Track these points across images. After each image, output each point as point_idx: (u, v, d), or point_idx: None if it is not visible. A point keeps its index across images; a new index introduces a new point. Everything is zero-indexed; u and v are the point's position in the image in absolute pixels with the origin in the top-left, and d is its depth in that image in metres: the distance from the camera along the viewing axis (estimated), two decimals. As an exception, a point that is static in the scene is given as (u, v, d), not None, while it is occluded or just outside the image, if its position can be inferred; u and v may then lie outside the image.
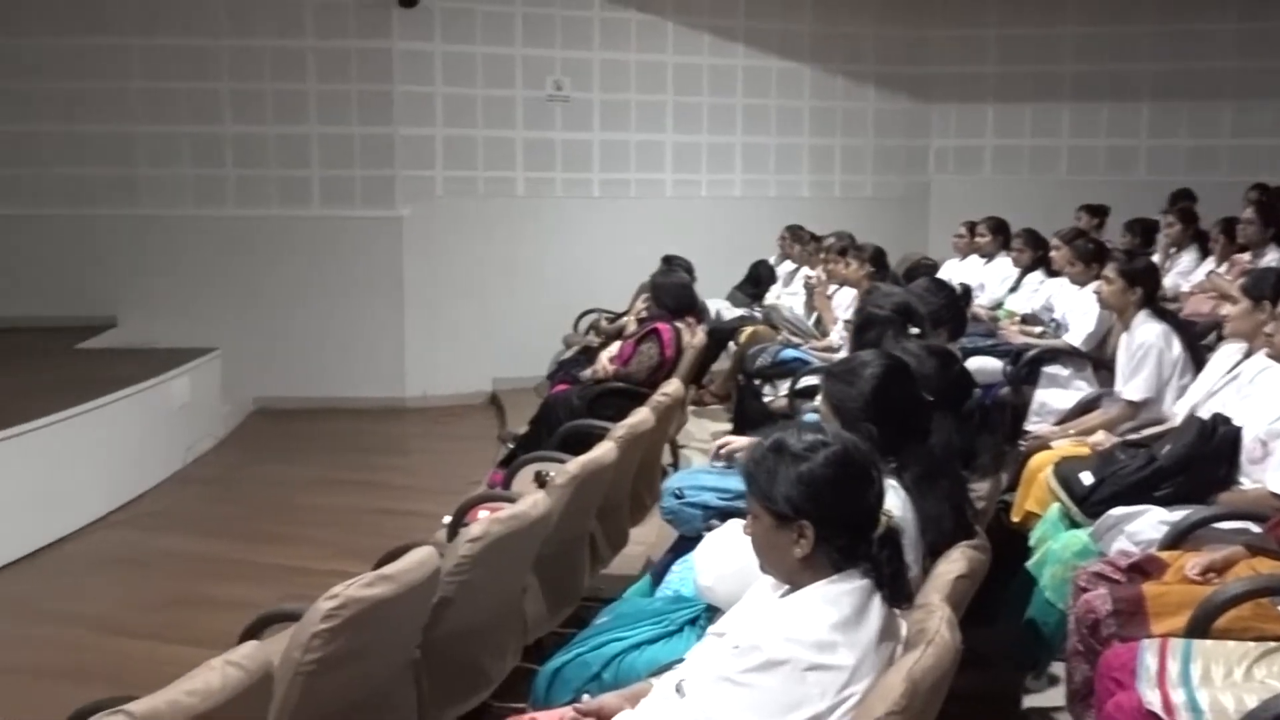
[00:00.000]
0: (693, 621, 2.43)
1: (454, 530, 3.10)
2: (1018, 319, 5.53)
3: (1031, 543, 3.17)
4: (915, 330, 3.24)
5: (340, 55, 7.54)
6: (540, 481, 3.29)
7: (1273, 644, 2.22)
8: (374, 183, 7.67)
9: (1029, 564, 3.07)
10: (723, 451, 3.18)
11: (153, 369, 6.07)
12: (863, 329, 3.28)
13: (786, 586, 1.91)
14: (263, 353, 7.34)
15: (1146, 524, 2.87)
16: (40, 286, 7.41)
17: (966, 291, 4.81)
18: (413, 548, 2.34)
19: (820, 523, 1.85)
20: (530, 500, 2.76)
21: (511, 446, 5.01)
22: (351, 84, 7.58)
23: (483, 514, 2.92)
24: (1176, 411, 3.55)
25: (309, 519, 5.21)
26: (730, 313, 6.80)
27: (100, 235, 7.50)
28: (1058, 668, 2.84)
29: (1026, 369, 4.38)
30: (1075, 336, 4.62)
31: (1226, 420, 3.01)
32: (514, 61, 7.85)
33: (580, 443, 3.59)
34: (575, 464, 3.08)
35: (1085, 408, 4.05)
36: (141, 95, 7.46)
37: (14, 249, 7.43)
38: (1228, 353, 3.45)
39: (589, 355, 5.64)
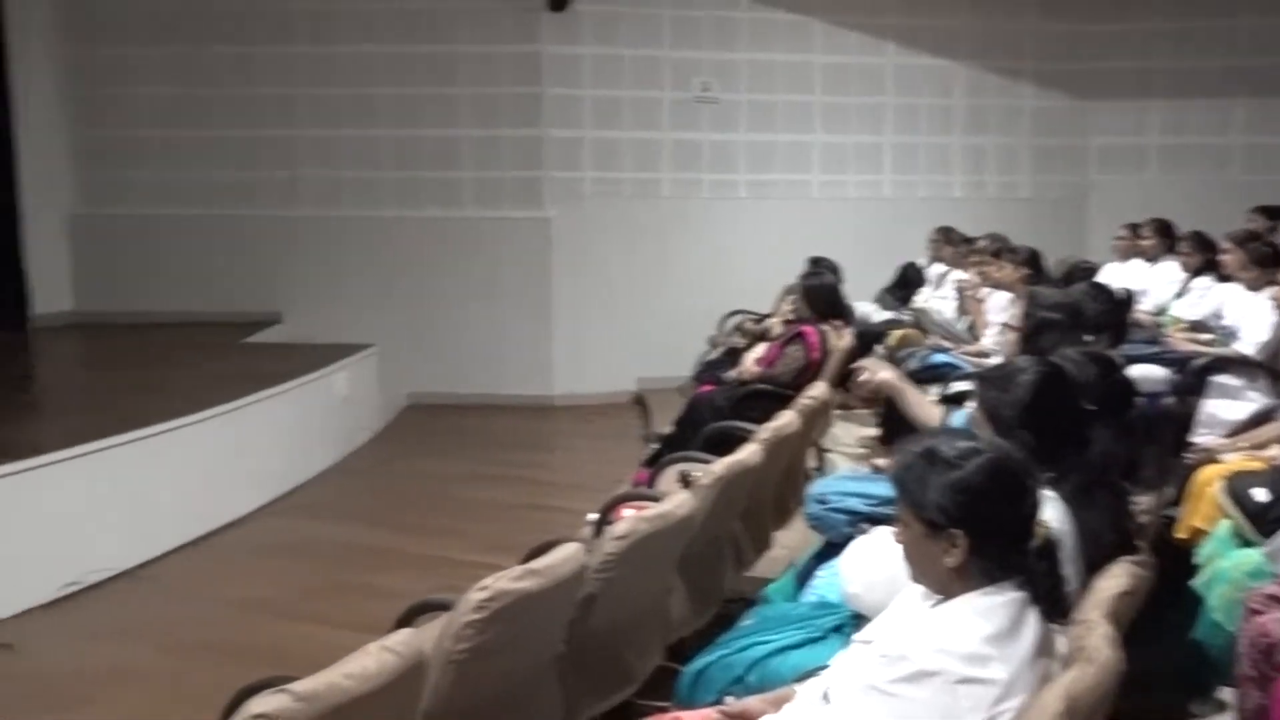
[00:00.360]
0: (838, 628, 2.40)
1: (599, 527, 3.13)
2: (1184, 325, 5.28)
3: (1198, 560, 3.02)
4: (1087, 336, 3.13)
5: (491, 60, 7.73)
6: (685, 481, 3.29)
7: None
8: (523, 184, 7.84)
9: (1195, 582, 2.93)
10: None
11: (314, 364, 6.32)
12: (1035, 334, 3.18)
13: (937, 597, 1.87)
14: (416, 349, 7.59)
15: (1327, 545, 2.71)
16: (211, 284, 7.83)
17: (1129, 296, 4.63)
18: (559, 543, 2.37)
19: (973, 532, 1.80)
20: (675, 500, 2.77)
21: (656, 446, 5.03)
22: (502, 87, 7.76)
23: (627, 512, 2.94)
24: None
25: (459, 512, 5.35)
26: (878, 316, 6.68)
27: (266, 236, 7.86)
28: (1224, 692, 2.70)
29: (1194, 378, 4.18)
30: (1248, 345, 4.39)
31: None
32: (661, 63, 7.91)
33: (725, 444, 3.59)
34: (720, 465, 3.08)
35: (1259, 420, 3.84)
36: (307, 101, 7.80)
37: (188, 248, 7.88)
38: None
39: (734, 357, 5.62)
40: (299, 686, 1.62)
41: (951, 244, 6.99)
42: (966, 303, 5.79)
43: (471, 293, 7.73)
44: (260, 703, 1.57)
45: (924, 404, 3.45)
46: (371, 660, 1.76)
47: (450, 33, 7.72)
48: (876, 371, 3.47)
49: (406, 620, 2.37)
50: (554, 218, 7.82)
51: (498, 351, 7.74)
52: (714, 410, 4.62)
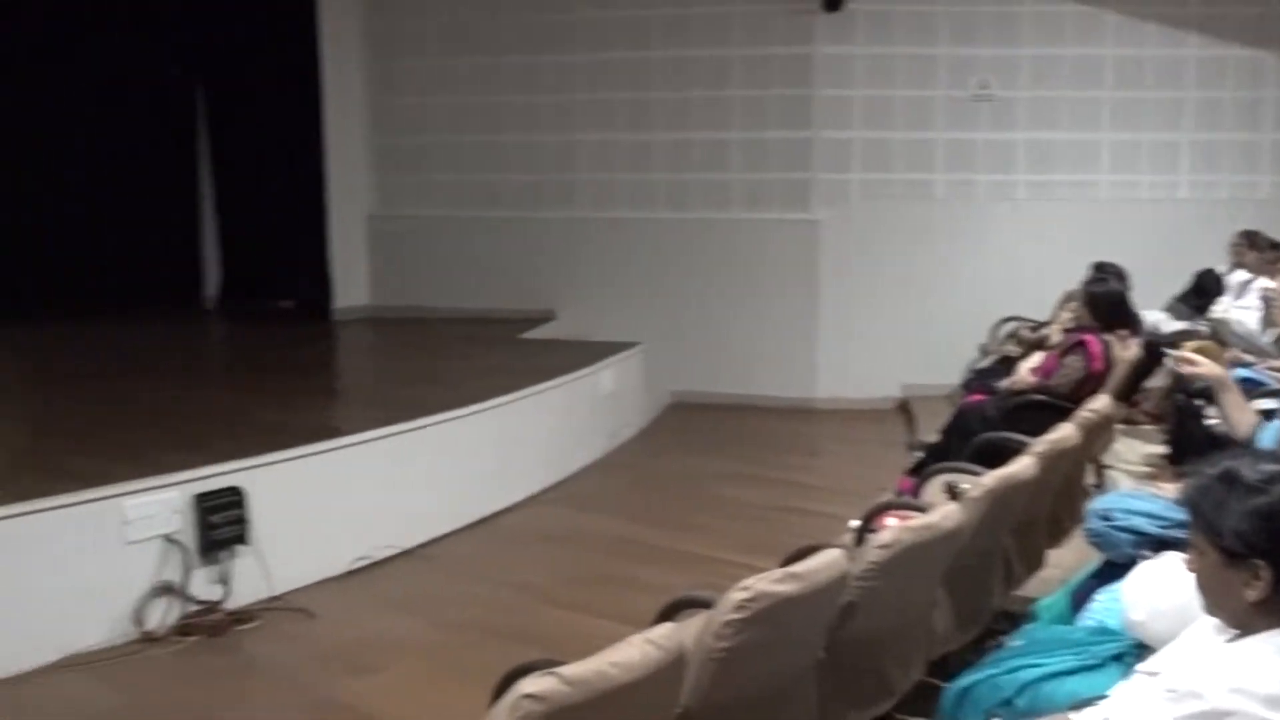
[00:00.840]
0: (1118, 657, 2.25)
1: (861, 535, 3.07)
2: None
3: None
4: None
5: (763, 62, 7.76)
6: (952, 493, 3.19)
7: None
8: (791, 186, 7.81)
9: None
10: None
11: (583, 360, 6.54)
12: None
13: (1234, 631, 1.72)
14: (681, 349, 7.72)
15: None
16: (491, 282, 8.27)
17: None
18: (821, 548, 2.35)
19: (1278, 564, 1.65)
20: (942, 511, 2.69)
21: (920, 455, 4.90)
22: (772, 90, 7.77)
23: (891, 521, 2.88)
24: None
25: (719, 510, 5.39)
26: (1169, 325, 6.22)
27: (544, 236, 8.22)
28: None
29: None
30: None
31: None
32: (936, 61, 7.68)
33: (995, 455, 3.45)
34: (991, 477, 2.96)
35: None
36: (586, 106, 8.10)
37: (472, 248, 8.35)
38: None
39: (1007, 365, 5.40)
40: (567, 671, 1.68)
41: (1257, 249, 6.43)
42: (1273, 313, 5.31)
43: (738, 294, 7.79)
44: (531, 683, 1.64)
45: (1244, 408, 3.20)
46: (636, 651, 1.81)
47: (724, 36, 7.80)
48: (1202, 362, 3.28)
49: (668, 615, 2.41)
50: (822, 220, 7.76)
51: (762, 353, 7.77)
52: (984, 420, 4.45)
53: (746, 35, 7.76)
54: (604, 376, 6.63)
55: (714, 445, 6.80)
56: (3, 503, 3.61)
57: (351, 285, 8.64)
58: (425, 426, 4.95)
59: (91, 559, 3.70)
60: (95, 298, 8.46)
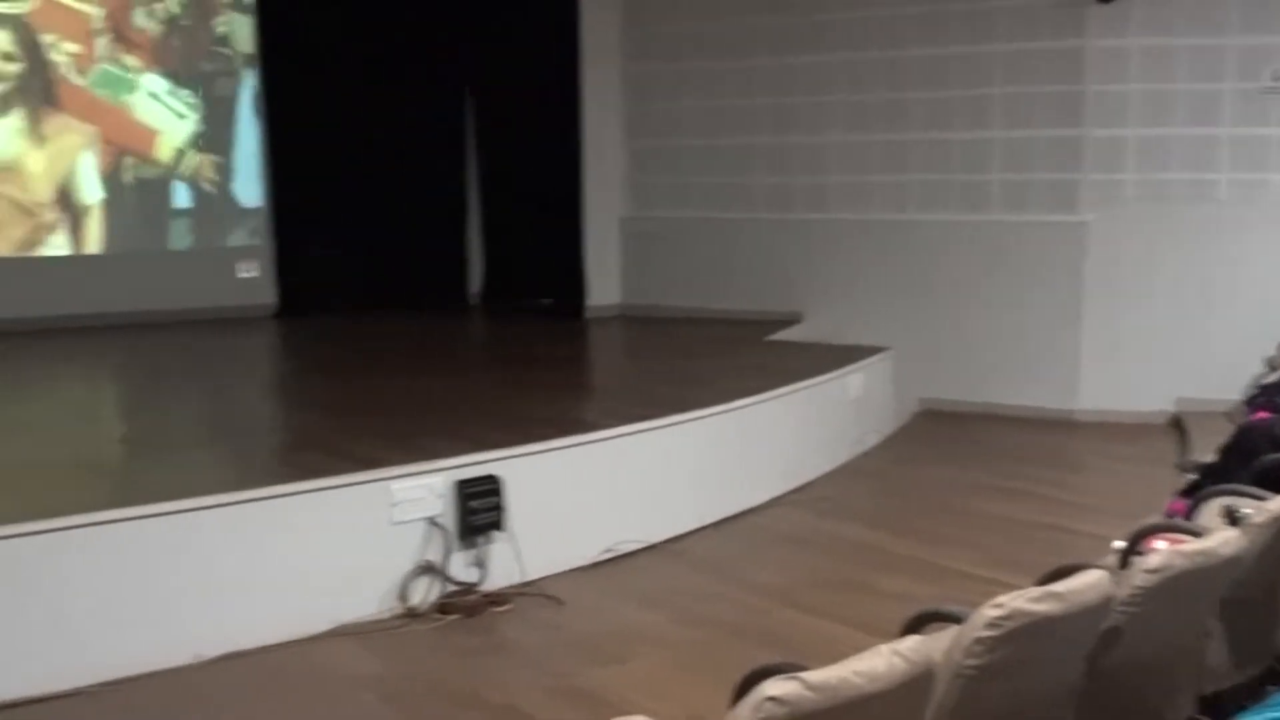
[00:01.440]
0: None
1: (1126, 557, 2.89)
2: None
3: None
4: None
5: (1029, 57, 7.42)
6: (1231, 518, 2.95)
7: None
8: (1056, 187, 7.44)
9: None
10: None
11: (831, 364, 6.46)
12: None
13: None
14: (931, 354, 7.50)
15: None
16: (740, 283, 8.32)
17: None
18: (1082, 568, 2.23)
19: None
20: (1220, 537, 2.50)
21: (1194, 476, 4.56)
22: (1039, 86, 7.42)
23: (1159, 544, 2.70)
24: None
25: (969, 523, 5.21)
26: None
27: (794, 238, 8.19)
28: None
29: None
30: None
31: None
32: (1224, 52, 7.12)
33: (1282, 480, 3.17)
34: (1278, 503, 2.72)
35: None
36: (840, 107, 8.01)
37: (721, 249, 8.43)
38: None
39: (1298, 381, 4.95)
40: (811, 676, 1.67)
41: None
42: None
43: (994, 299, 7.49)
44: (774, 686, 1.63)
45: None
46: (882, 662, 1.77)
47: (985, 32, 7.52)
48: None
49: (915, 626, 2.34)
50: (1090, 222, 7.35)
51: (1019, 361, 7.44)
52: (1271, 441, 4.08)
53: (1010, 30, 7.45)
54: (852, 381, 6.53)
55: (965, 455, 6.57)
56: (289, 479, 3.93)
57: (604, 284, 8.90)
58: (674, 424, 5.02)
59: (363, 537, 3.98)
60: (373, 294, 9.10)
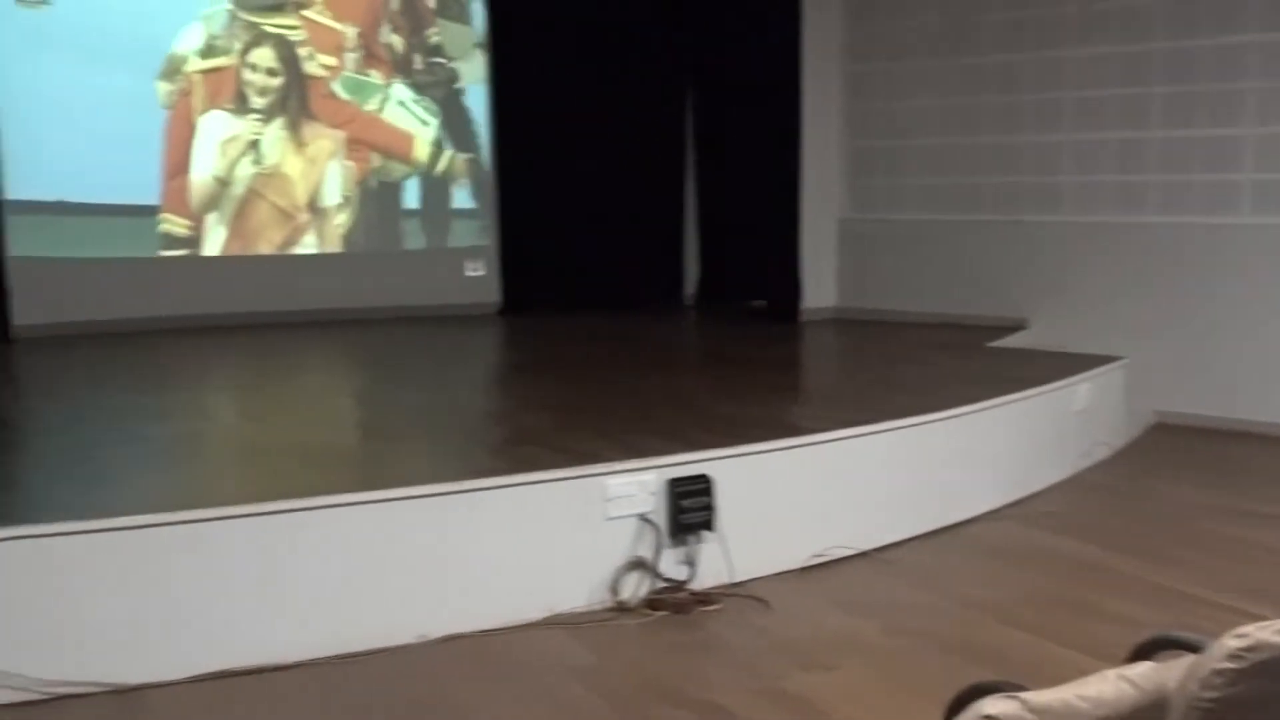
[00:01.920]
0: None
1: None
2: None
3: None
4: None
5: (1287, 49, 6.91)
6: None
7: None
8: (1318, 187, 6.90)
9: None
10: None
11: (1056, 373, 6.20)
12: None
13: None
14: (1170, 365, 7.07)
15: None
16: (960, 287, 8.08)
17: None
18: (1338, 603, 2.06)
19: None
20: None
21: None
22: (1299, 79, 6.90)
23: None
24: None
25: (1206, 545, 4.89)
26: None
27: (1020, 241, 7.89)
28: None
29: None
30: None
31: None
32: None
33: None
34: None
35: None
36: (1072, 104, 7.66)
37: (941, 252, 8.22)
38: None
39: None
40: (1032, 697, 1.61)
41: None
42: None
43: (1242, 307, 7.00)
44: (992, 704, 1.58)
45: None
46: (1109, 688, 1.69)
47: (1236, 23, 7.03)
48: None
49: (1145, 652, 2.23)
50: (1353, 226, 6.78)
51: (1269, 373, 6.92)
52: None
53: (1265, 20, 6.93)
54: (1079, 391, 6.24)
55: (1203, 473, 6.17)
56: (510, 471, 4.09)
57: (820, 287, 8.83)
58: (888, 430, 4.94)
59: (577, 530, 4.09)
60: (592, 293, 9.36)
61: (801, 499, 4.61)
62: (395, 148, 9.16)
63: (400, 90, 9.13)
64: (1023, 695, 1.62)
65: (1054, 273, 7.74)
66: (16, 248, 7.84)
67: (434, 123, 9.30)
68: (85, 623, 3.41)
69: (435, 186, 9.41)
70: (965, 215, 8.17)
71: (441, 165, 9.36)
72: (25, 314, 7.78)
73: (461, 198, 9.52)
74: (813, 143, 8.71)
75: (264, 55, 8.56)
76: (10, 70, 7.79)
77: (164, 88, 8.30)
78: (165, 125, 8.34)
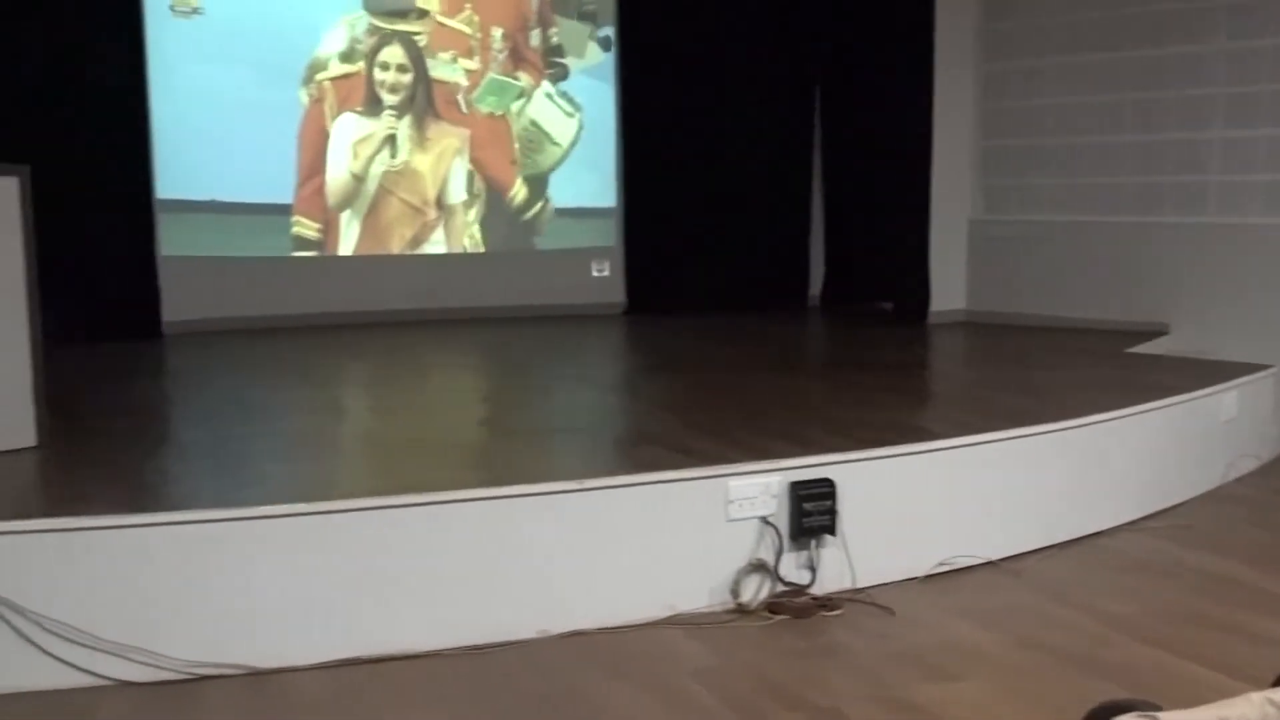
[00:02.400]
0: None
1: None
2: None
3: None
4: None
5: None
6: None
7: None
8: None
9: None
10: None
11: (1199, 381, 5.94)
12: None
13: None
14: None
15: None
16: (1098, 290, 7.83)
17: None
18: None
19: None
20: None
21: None
22: None
23: None
24: None
25: (1363, 567, 4.63)
26: None
27: (1161, 242, 7.59)
28: None
29: None
30: None
31: None
32: None
33: None
34: None
35: None
36: (1218, 100, 7.34)
37: (1078, 254, 7.97)
38: None
39: None
40: (1168, 717, 1.55)
41: None
42: None
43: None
44: (1124, 723, 1.54)
45: None
46: (1254, 711, 1.62)
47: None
48: None
49: (1291, 676, 2.12)
50: None
51: None
52: None
53: None
54: (1225, 400, 5.97)
55: (1361, 489, 5.85)
56: (628, 470, 4.12)
57: (949, 289, 8.65)
58: (1019, 437, 4.81)
59: (698, 531, 4.09)
60: (716, 293, 9.36)
61: (927, 505, 4.52)
62: (509, 150, 9.33)
63: (545, 89, 9.32)
64: (1159, 715, 1.56)
65: (1197, 276, 7.42)
66: (167, 247, 8.24)
67: (565, 123, 9.43)
68: (224, 607, 3.55)
69: (561, 187, 9.53)
70: (1103, 216, 7.89)
71: (554, 167, 9.48)
72: (174, 310, 8.17)
73: (587, 197, 9.62)
74: (943, 142, 8.54)
75: (394, 54, 8.84)
76: (164, 76, 8.18)
77: (304, 92, 8.62)
78: (300, 129, 8.65)
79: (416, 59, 8.92)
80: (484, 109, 9.14)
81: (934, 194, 8.58)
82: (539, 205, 9.46)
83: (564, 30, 9.45)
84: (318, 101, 8.69)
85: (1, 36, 7.40)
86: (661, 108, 9.37)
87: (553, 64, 9.40)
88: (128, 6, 8.00)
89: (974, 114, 8.62)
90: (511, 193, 9.35)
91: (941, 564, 4.49)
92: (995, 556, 4.62)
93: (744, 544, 4.15)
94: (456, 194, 9.14)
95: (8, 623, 3.38)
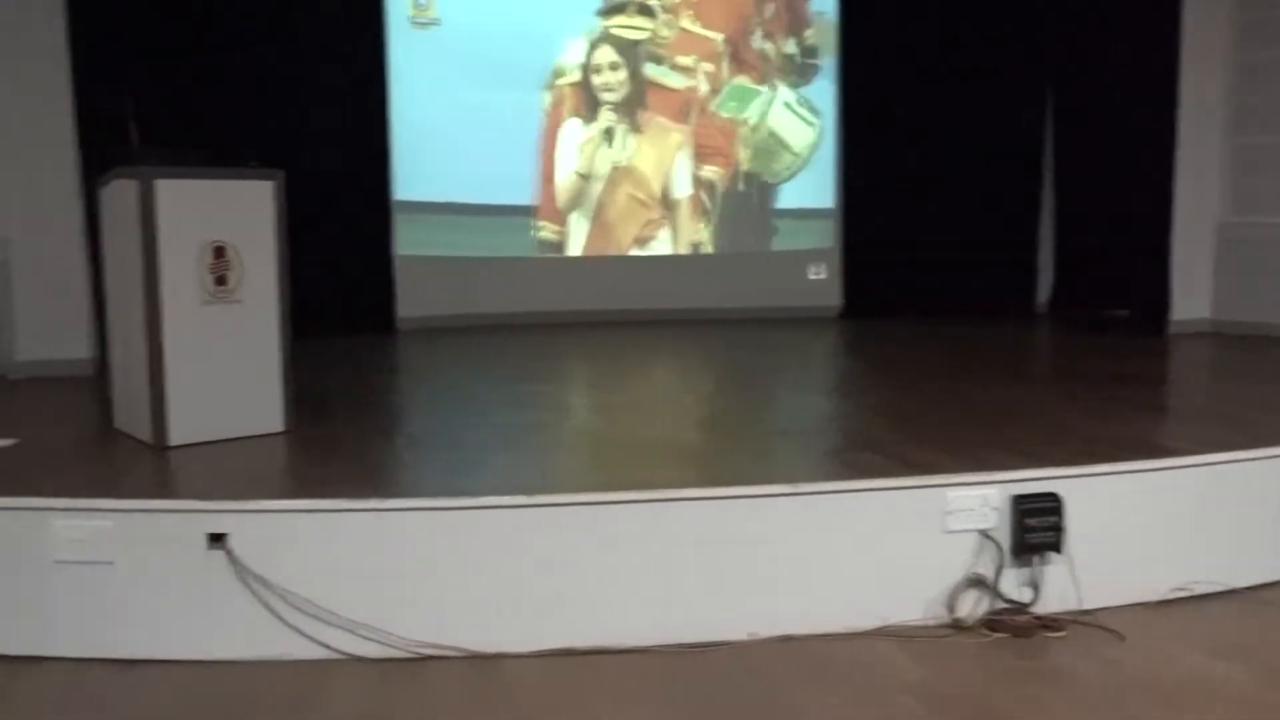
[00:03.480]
0: None
1: None
2: None
3: None
4: None
5: None
6: None
7: None
8: None
9: None
10: None
11: None
12: None
13: None
14: None
15: None
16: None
17: None
18: None
19: None
20: None
21: None
22: None
23: None
24: None
25: None
26: None
27: None
28: None
29: None
30: None
31: None
32: None
33: None
34: None
35: None
36: None
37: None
38: None
39: None
40: None
41: None
42: None
43: None
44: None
45: None
46: None
47: None
48: None
49: None
50: None
51: None
52: None
53: None
54: None
55: None
56: (843, 477, 4.06)
57: (1192, 297, 8.11)
58: (1269, 456, 4.46)
59: (914, 542, 3.99)
60: (937, 298, 9.12)
61: (1164, 526, 4.26)
62: (764, 152, 9.37)
63: (784, 97, 9.35)
64: None
65: None
66: (403, 246, 8.70)
67: (815, 128, 9.42)
68: (450, 592, 3.72)
69: (785, 189, 9.50)
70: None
71: (780, 169, 9.45)
72: (408, 307, 8.62)
73: (805, 197, 9.55)
74: (1189, 140, 8.01)
75: (606, 54, 9.06)
76: (403, 83, 8.64)
77: (544, 97, 8.94)
78: (540, 134, 8.98)
79: (631, 56, 9.10)
80: (724, 114, 9.24)
81: (1177, 194, 8.06)
82: (762, 207, 9.47)
83: (820, 30, 9.42)
84: (557, 106, 9.00)
85: (253, 48, 7.99)
86: (884, 107, 9.19)
87: (803, 65, 9.38)
88: (370, 18, 8.49)
89: (1224, 109, 8.05)
90: (735, 192, 9.39)
91: (1178, 589, 4.22)
92: (1240, 584, 4.31)
93: (961, 557, 4.03)
94: (681, 189, 9.28)
95: (258, 597, 3.65)
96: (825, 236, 9.53)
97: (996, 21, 9.25)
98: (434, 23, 8.76)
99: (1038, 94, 9.53)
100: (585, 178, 9.10)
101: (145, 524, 3.69)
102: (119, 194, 4.60)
